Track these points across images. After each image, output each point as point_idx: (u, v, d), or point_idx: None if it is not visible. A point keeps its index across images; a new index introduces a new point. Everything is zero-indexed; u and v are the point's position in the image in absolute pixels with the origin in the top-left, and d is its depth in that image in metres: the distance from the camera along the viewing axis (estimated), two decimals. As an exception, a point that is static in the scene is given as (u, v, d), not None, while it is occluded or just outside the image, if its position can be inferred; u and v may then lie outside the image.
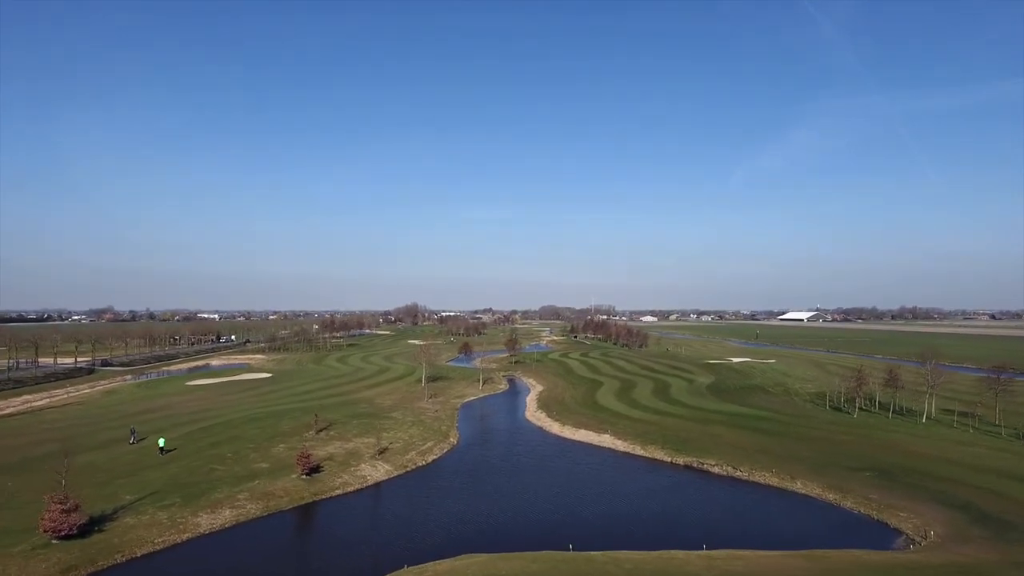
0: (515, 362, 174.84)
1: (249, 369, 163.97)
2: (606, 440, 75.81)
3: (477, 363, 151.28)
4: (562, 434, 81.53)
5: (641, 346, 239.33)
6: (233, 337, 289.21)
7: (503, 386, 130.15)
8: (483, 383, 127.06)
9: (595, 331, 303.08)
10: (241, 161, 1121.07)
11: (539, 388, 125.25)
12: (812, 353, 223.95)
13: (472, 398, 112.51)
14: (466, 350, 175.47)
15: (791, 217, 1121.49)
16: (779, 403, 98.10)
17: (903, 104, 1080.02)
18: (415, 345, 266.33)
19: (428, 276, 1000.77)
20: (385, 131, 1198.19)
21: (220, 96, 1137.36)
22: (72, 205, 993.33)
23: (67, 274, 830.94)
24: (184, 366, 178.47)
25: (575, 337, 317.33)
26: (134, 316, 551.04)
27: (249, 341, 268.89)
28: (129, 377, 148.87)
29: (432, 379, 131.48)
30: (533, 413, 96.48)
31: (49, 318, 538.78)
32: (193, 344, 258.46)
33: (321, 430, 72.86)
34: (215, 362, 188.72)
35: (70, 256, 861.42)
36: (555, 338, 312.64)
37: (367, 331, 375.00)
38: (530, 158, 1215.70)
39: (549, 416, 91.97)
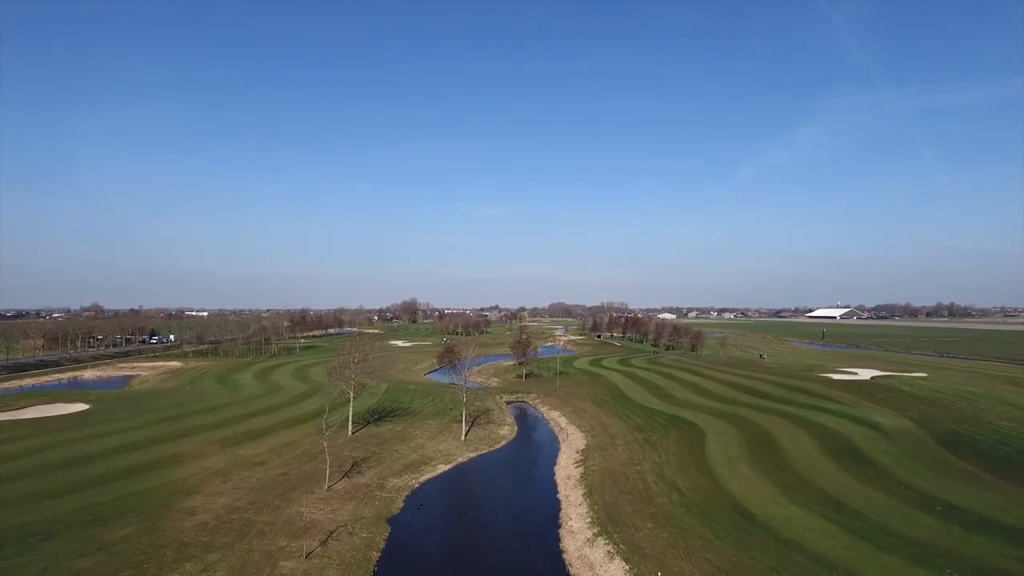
0: (526, 375, 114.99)
1: (124, 389, 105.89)
2: None
3: (468, 377, 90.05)
4: None
5: (694, 348, 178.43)
6: (172, 337, 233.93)
7: (506, 430, 70.09)
8: (468, 426, 67.20)
9: (624, 329, 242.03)
10: (243, 160, 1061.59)
11: (578, 438, 64.96)
12: (937, 360, 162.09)
13: (438, 470, 52.66)
14: (450, 357, 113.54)
15: (799, 214, 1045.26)
16: None
17: (913, 101, 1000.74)
18: (396, 348, 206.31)
19: (433, 274, 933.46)
20: (390, 130, 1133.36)
21: (220, 96, 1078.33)
22: (74, 204, 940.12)
23: (75, 273, 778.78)
24: (39, 380, 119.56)
25: (598, 336, 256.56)
26: (118, 312, 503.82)
27: (183, 342, 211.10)
28: None
29: (378, 417, 72.00)
30: (586, 551, 36.04)
31: (27, 315, 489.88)
32: (110, 346, 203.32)
33: None
34: (90, 374, 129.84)
35: (72, 255, 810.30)
36: (573, 337, 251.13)
37: (352, 329, 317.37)
38: (536, 156, 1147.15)
39: None
